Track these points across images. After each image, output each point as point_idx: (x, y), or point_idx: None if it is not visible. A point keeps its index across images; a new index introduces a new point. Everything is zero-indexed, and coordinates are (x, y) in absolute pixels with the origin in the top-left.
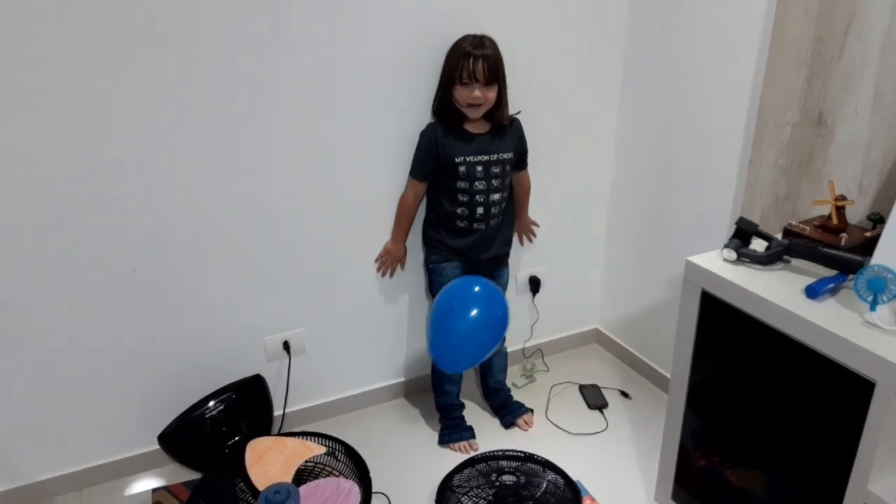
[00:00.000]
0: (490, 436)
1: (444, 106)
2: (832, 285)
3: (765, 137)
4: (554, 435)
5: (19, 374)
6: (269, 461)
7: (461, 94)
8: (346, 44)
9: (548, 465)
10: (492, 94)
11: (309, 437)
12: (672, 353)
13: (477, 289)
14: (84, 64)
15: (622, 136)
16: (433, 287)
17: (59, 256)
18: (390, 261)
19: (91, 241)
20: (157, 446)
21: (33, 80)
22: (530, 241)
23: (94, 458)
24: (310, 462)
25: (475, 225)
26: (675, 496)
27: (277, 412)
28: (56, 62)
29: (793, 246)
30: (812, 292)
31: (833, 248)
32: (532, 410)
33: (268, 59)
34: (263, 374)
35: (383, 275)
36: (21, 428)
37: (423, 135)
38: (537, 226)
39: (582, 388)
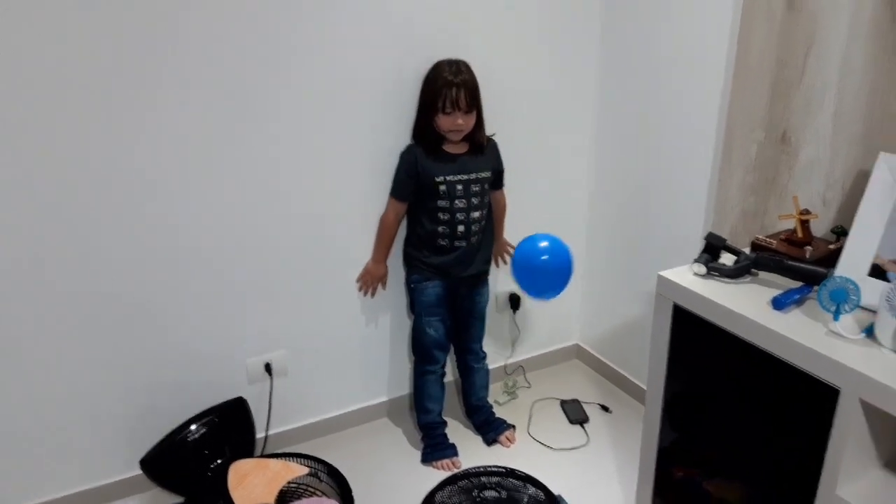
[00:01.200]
0: (473, 453)
1: (425, 130)
2: (798, 297)
3: (732, 156)
4: (536, 450)
5: None
6: (251, 483)
7: (444, 123)
8: (323, 66)
9: (529, 480)
10: (471, 119)
11: (291, 459)
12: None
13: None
14: (67, 79)
15: (597, 157)
16: (415, 306)
17: (38, 280)
18: (371, 280)
19: (70, 264)
20: (139, 471)
21: (8, 102)
22: (504, 262)
23: (74, 484)
24: (293, 483)
25: (456, 243)
26: None
27: (260, 434)
28: (35, 82)
29: (760, 259)
30: (778, 304)
31: (798, 261)
32: (514, 427)
33: (247, 84)
34: (246, 397)
35: (365, 294)
36: (0, 453)
37: (403, 155)
38: (513, 247)
39: (563, 403)
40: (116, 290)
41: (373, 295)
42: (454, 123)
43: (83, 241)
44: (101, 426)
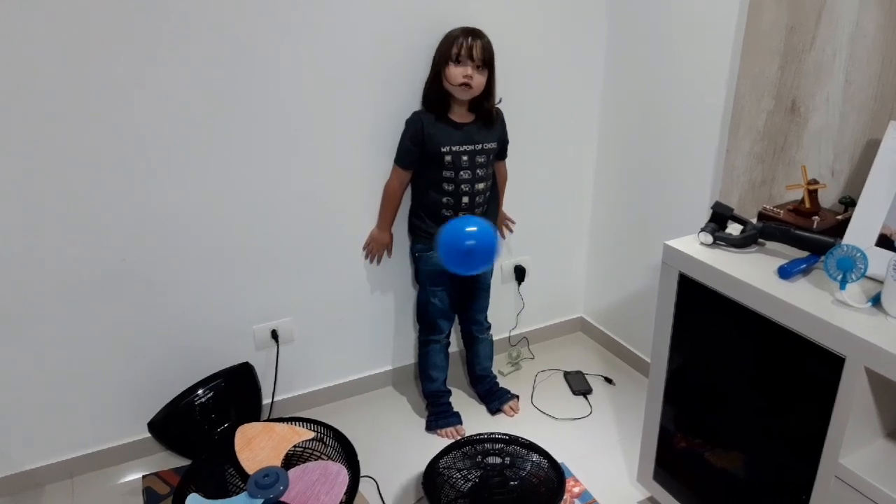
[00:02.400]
0: (476, 422)
1: (433, 90)
2: (804, 266)
3: (741, 126)
4: (539, 420)
5: (9, 363)
6: (258, 446)
7: (453, 73)
8: (328, 32)
9: (532, 448)
10: (482, 78)
11: (297, 423)
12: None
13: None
14: (67, 58)
15: (604, 127)
16: (419, 275)
17: (48, 247)
18: (377, 248)
19: (79, 231)
20: (147, 434)
21: (12, 73)
22: (503, 236)
23: (84, 446)
24: (298, 447)
25: (460, 214)
26: (656, 477)
27: (266, 400)
28: (37, 57)
29: (766, 229)
30: (784, 273)
31: (805, 231)
32: (518, 397)
33: (250, 50)
34: (252, 363)
35: (371, 262)
36: (12, 417)
37: (409, 123)
38: (513, 222)
39: (567, 374)
40: (125, 257)
41: (378, 262)
42: (464, 74)
43: (91, 209)
44: (109, 389)
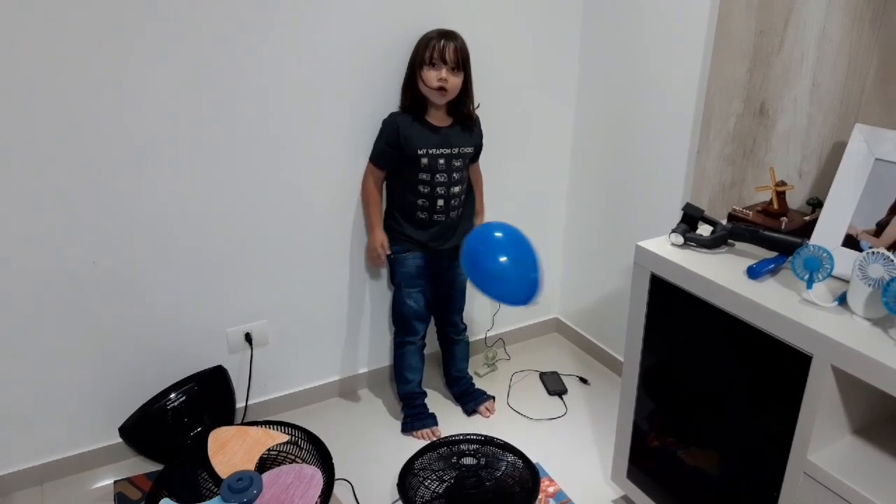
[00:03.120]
0: (452, 423)
1: (410, 92)
2: (772, 266)
3: (711, 128)
4: (515, 421)
5: None
6: (231, 450)
7: (428, 76)
8: (307, 35)
9: (507, 448)
10: (457, 80)
11: (272, 426)
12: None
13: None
14: (42, 59)
15: (578, 129)
16: (395, 277)
17: (16, 248)
18: (375, 252)
19: (49, 234)
20: (118, 439)
21: None
22: None
23: (54, 452)
24: (273, 450)
25: (436, 216)
26: (630, 476)
27: (240, 404)
28: (13, 49)
29: (736, 230)
30: (753, 273)
31: (774, 232)
32: (493, 397)
33: (227, 53)
34: (226, 366)
35: (380, 266)
36: None
37: (385, 124)
38: None
39: (542, 375)
40: (95, 259)
41: (383, 264)
42: (438, 77)
43: (63, 210)
44: (79, 394)
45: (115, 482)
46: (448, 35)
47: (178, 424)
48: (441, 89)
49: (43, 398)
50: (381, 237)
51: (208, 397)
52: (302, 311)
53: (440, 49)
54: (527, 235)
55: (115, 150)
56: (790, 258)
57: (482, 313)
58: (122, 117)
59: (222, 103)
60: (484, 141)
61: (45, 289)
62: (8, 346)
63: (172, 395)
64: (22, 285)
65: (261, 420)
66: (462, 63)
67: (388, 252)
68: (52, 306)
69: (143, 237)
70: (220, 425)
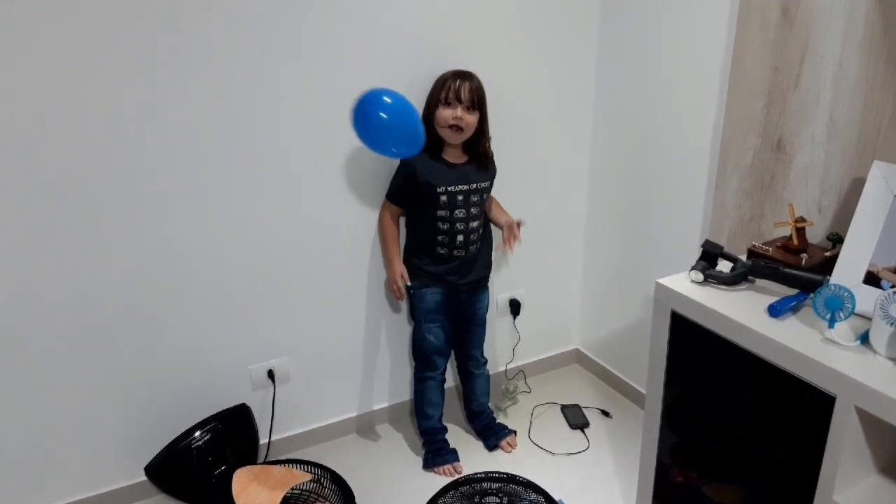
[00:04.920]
0: (474, 458)
1: (426, 131)
2: (793, 304)
3: (728, 162)
4: (537, 455)
5: (7, 407)
6: (255, 490)
7: (443, 115)
8: (325, 73)
9: (530, 486)
10: (472, 119)
11: (294, 465)
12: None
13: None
14: (67, 98)
15: (595, 164)
16: (414, 312)
17: (42, 291)
18: (396, 283)
19: (73, 275)
20: (144, 478)
21: (12, 110)
22: (512, 246)
23: (81, 490)
24: (296, 489)
25: (455, 252)
26: None
27: (263, 440)
28: (35, 95)
29: (756, 267)
30: (774, 311)
31: (794, 268)
32: (515, 432)
33: (250, 92)
34: (249, 403)
35: (400, 299)
36: (9, 460)
37: (403, 163)
38: (522, 224)
39: (564, 408)
40: (120, 297)
41: (406, 294)
42: (453, 115)
43: (86, 248)
44: (105, 433)
45: None
46: (464, 75)
47: (202, 463)
48: (456, 128)
49: (70, 436)
50: (400, 269)
51: (232, 435)
52: (323, 346)
53: (455, 89)
54: None
55: (139, 188)
56: (811, 296)
57: (502, 345)
58: (145, 156)
59: (243, 141)
60: (501, 173)
61: (72, 327)
62: (36, 385)
63: (197, 434)
64: (50, 324)
65: (283, 458)
66: (478, 102)
67: (408, 283)
68: (79, 345)
69: (166, 275)
70: (243, 463)
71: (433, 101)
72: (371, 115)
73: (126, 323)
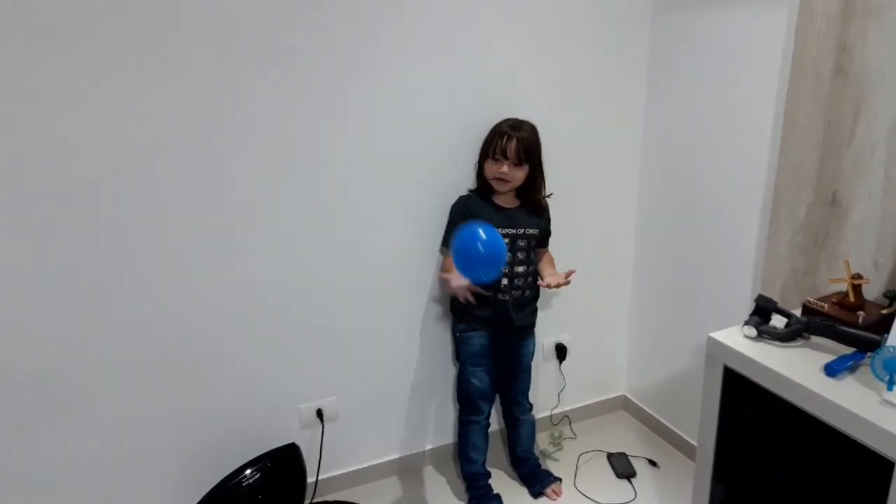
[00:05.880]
0: None
1: (479, 176)
2: (850, 363)
3: (781, 215)
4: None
5: (55, 447)
6: None
7: (489, 169)
8: (384, 117)
9: None
10: (520, 173)
11: None
12: (698, 422)
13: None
14: (132, 141)
15: (644, 211)
16: (460, 355)
17: (96, 331)
18: (461, 289)
19: (130, 310)
20: None
21: (80, 159)
22: (560, 286)
23: None
24: None
25: (500, 295)
26: None
27: (311, 479)
28: (95, 141)
29: (811, 324)
30: (831, 371)
31: (851, 326)
32: (560, 479)
33: (303, 132)
34: (297, 442)
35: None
36: (63, 497)
37: (455, 207)
38: (572, 272)
39: (610, 456)
40: (176, 334)
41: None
42: (498, 171)
43: (142, 288)
44: (156, 471)
45: None
46: (515, 128)
47: (252, 502)
48: (501, 180)
49: (122, 475)
50: (466, 284)
51: (281, 474)
52: (371, 387)
53: (503, 146)
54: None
55: (201, 226)
56: (869, 355)
57: (547, 390)
58: (211, 195)
59: (302, 188)
60: (552, 217)
61: (127, 365)
62: (90, 423)
63: (247, 472)
64: (105, 362)
65: (332, 500)
66: (526, 156)
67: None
68: (134, 383)
69: (221, 313)
70: (292, 502)
71: (484, 153)
72: (471, 250)
73: (178, 363)
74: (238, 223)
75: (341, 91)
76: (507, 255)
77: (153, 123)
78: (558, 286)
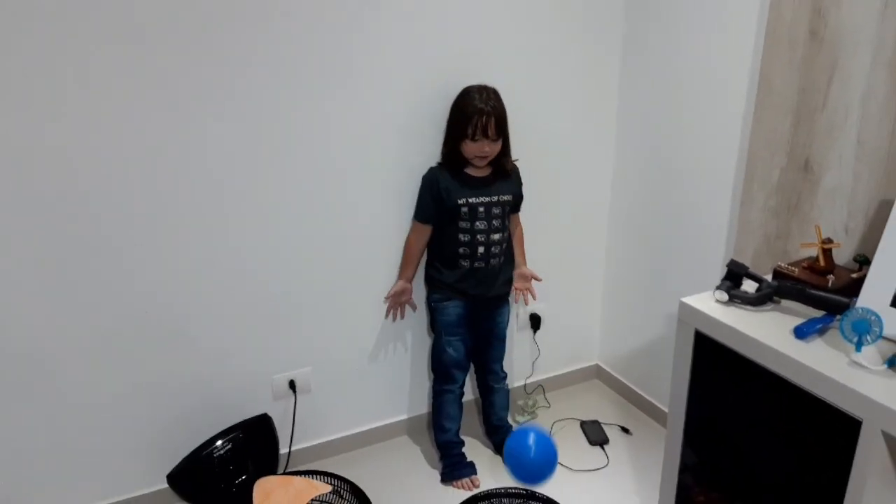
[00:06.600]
0: (492, 472)
1: (450, 153)
2: (820, 326)
3: (754, 180)
4: (556, 471)
5: (28, 416)
6: (276, 500)
7: (470, 150)
8: (347, 92)
9: (549, 503)
10: (498, 146)
11: (315, 476)
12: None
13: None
14: (98, 109)
15: (618, 179)
16: (435, 325)
17: (69, 301)
18: (396, 301)
19: (100, 283)
20: (165, 485)
21: (42, 122)
22: (525, 301)
23: (103, 497)
24: (316, 501)
25: (476, 264)
26: None
27: (283, 450)
28: (62, 103)
29: (782, 287)
30: (800, 333)
31: (820, 290)
32: None
33: (276, 109)
34: (270, 413)
35: (393, 319)
36: (32, 466)
37: (425, 178)
38: (538, 279)
39: (583, 424)
40: (144, 308)
41: (402, 317)
42: (481, 150)
43: (112, 259)
44: (129, 440)
45: None
46: (486, 101)
47: (224, 472)
48: (481, 157)
49: (92, 444)
50: (403, 287)
51: (253, 445)
52: (344, 358)
53: (483, 126)
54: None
55: (168, 198)
56: (838, 318)
57: (521, 359)
58: (173, 173)
59: (270, 160)
60: (524, 189)
61: (99, 336)
62: (62, 392)
63: (219, 443)
64: (77, 332)
65: (304, 469)
66: (501, 130)
67: (415, 310)
68: (106, 355)
69: (192, 284)
70: (264, 473)
71: (459, 133)
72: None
73: (151, 332)
74: (211, 195)
75: (309, 68)
76: (484, 224)
77: (121, 91)
78: (525, 294)
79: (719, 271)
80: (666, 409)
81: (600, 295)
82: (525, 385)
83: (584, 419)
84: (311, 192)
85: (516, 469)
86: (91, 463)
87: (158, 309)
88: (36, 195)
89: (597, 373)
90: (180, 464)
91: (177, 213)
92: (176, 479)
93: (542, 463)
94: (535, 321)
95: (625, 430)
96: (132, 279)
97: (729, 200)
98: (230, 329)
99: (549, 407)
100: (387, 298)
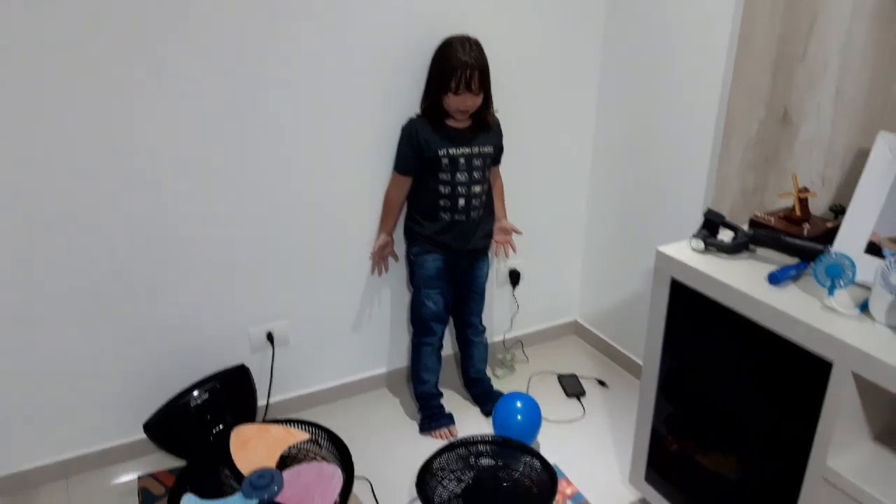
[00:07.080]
0: (470, 423)
1: (430, 105)
2: (794, 272)
3: (733, 133)
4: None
5: (6, 364)
6: (253, 448)
7: (453, 103)
8: (328, 42)
9: (524, 450)
10: (479, 99)
11: (292, 425)
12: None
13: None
14: (71, 58)
15: (599, 133)
16: (414, 278)
17: (45, 252)
18: (380, 254)
19: (77, 234)
20: (142, 435)
21: (12, 75)
22: (506, 255)
23: (80, 446)
24: (293, 448)
25: (456, 216)
26: (648, 479)
27: (261, 402)
28: (38, 57)
29: (757, 235)
30: (775, 279)
31: (796, 238)
32: None
33: (249, 60)
34: (248, 365)
35: (380, 274)
36: (7, 417)
37: (405, 129)
38: (519, 232)
39: (560, 377)
40: (122, 260)
41: (386, 270)
42: (463, 104)
43: (88, 212)
44: (105, 390)
45: (139, 477)
46: (469, 54)
47: (201, 421)
48: (463, 111)
49: (69, 394)
50: (385, 241)
51: (231, 395)
52: (323, 311)
53: (467, 79)
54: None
55: (138, 155)
56: (812, 264)
57: (501, 315)
58: (147, 126)
59: (245, 111)
60: (504, 143)
61: (73, 288)
62: (36, 344)
63: (196, 393)
64: (52, 286)
65: (282, 418)
66: (483, 82)
67: (397, 260)
68: (81, 305)
69: (167, 239)
70: (241, 423)
71: (441, 86)
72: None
73: (126, 283)
74: (181, 149)
75: (279, 20)
76: (464, 175)
77: (102, 50)
78: (506, 246)
79: (698, 225)
80: (642, 363)
81: (580, 251)
82: (504, 340)
83: (562, 373)
84: (288, 144)
85: (503, 432)
86: (67, 414)
87: (133, 261)
88: (9, 143)
89: (575, 329)
90: (157, 413)
91: (151, 165)
92: (153, 428)
93: (530, 427)
94: (515, 277)
95: (601, 384)
96: (107, 233)
97: (708, 155)
98: (206, 282)
99: (527, 361)
100: (372, 254)
